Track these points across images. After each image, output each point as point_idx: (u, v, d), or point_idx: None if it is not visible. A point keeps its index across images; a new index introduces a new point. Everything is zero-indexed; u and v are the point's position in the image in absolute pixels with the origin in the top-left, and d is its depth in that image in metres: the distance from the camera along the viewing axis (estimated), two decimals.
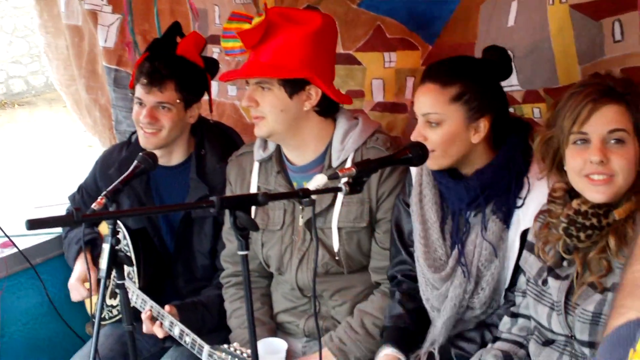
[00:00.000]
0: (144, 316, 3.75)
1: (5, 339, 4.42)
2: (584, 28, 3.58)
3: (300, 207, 3.68)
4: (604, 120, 2.66)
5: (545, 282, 2.86)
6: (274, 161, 3.75)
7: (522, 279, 3.09)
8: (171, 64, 3.98)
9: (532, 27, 3.72)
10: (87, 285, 4.17)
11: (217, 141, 4.23)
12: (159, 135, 4.02)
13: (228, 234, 3.95)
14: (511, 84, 3.77)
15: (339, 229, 3.57)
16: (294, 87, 3.49)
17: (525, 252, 3.02)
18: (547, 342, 2.90)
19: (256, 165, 3.80)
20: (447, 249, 3.35)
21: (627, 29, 3.48)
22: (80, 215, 2.45)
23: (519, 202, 3.20)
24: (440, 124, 3.19)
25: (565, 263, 2.81)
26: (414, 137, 3.21)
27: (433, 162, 3.23)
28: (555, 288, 2.79)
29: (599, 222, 2.68)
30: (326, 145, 3.63)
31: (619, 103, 2.66)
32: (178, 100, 4.00)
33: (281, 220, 3.73)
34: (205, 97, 4.20)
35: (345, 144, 3.58)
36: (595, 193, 2.69)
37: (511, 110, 3.77)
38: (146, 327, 3.74)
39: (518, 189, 3.20)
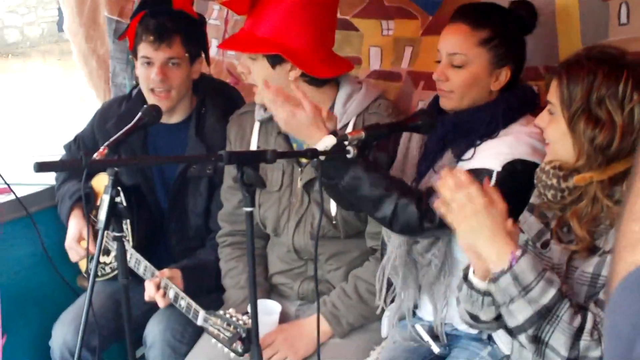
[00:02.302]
0: (149, 282, 3.74)
1: None
2: (591, 7, 3.54)
3: (299, 169, 3.68)
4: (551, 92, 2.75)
5: (545, 245, 2.85)
6: (274, 121, 3.72)
7: (521, 238, 3.07)
8: (175, 18, 3.96)
9: (538, 1, 3.66)
10: (83, 244, 4.17)
11: (219, 100, 4.21)
12: (170, 96, 4.02)
13: (226, 193, 3.94)
14: None
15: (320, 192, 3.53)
16: (274, 58, 3.49)
17: (525, 212, 2.99)
18: None
19: (257, 124, 3.80)
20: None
21: (633, 12, 3.43)
22: (89, 160, 2.43)
23: (478, 142, 3.19)
24: (464, 66, 3.19)
25: (565, 229, 2.80)
26: (436, 75, 3.23)
27: (448, 102, 3.26)
28: (557, 251, 2.79)
29: (558, 183, 2.69)
30: (328, 108, 3.59)
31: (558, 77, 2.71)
32: (186, 54, 4.00)
33: (279, 182, 3.72)
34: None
35: (348, 107, 3.56)
36: None
37: None
38: (148, 293, 3.73)
39: (486, 136, 3.18)
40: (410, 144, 3.44)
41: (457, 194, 2.50)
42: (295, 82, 3.51)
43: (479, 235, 2.52)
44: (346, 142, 2.86)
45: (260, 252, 3.93)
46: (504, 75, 3.22)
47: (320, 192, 3.14)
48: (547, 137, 2.75)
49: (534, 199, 2.94)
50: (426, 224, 3.05)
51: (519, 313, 2.52)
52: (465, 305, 2.83)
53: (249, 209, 2.59)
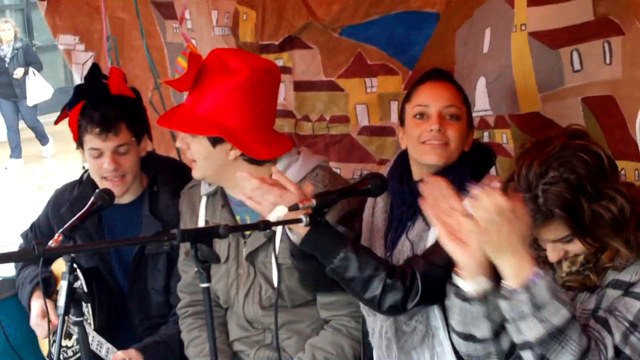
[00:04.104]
0: None
1: None
2: (542, 56, 3.67)
3: (243, 241, 3.69)
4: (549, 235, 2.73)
5: None
6: (219, 195, 3.78)
7: None
8: (117, 105, 3.94)
9: (500, 53, 3.82)
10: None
11: (170, 177, 4.22)
12: (124, 181, 4.02)
13: (183, 265, 3.95)
14: (485, 109, 3.91)
15: (279, 264, 3.51)
16: (215, 138, 3.52)
17: None
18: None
19: (204, 199, 3.82)
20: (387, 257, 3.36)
21: (586, 59, 3.56)
22: (42, 250, 2.43)
23: None
24: (459, 119, 3.26)
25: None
26: (437, 126, 3.22)
27: (441, 156, 3.25)
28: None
29: (595, 266, 2.72)
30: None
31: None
32: (133, 139, 4.00)
33: (226, 254, 3.74)
34: None
35: None
36: None
37: (485, 134, 3.93)
38: None
39: None
40: (374, 217, 3.46)
41: (486, 204, 2.47)
42: (235, 161, 3.55)
43: (500, 248, 2.51)
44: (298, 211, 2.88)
45: (221, 321, 3.92)
46: (471, 136, 3.33)
47: (275, 261, 3.16)
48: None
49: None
50: (410, 303, 3.07)
51: (529, 330, 2.52)
52: (459, 327, 2.82)
53: (204, 285, 2.60)
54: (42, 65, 16.53)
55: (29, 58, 16.09)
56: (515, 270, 2.52)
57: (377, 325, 3.39)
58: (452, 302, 2.79)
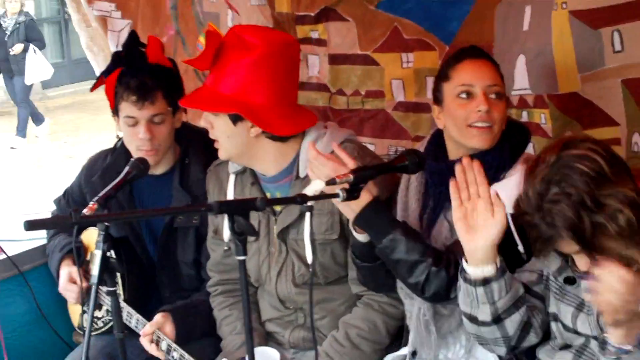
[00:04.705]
0: (143, 338, 3.76)
1: None
2: (583, 36, 3.63)
3: (274, 218, 3.68)
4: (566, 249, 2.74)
5: (570, 281, 2.86)
6: (248, 173, 3.76)
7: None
8: (154, 73, 3.93)
9: (540, 31, 3.77)
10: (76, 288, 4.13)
11: (201, 150, 4.18)
12: (158, 152, 4.01)
13: (211, 244, 3.94)
14: (524, 87, 3.87)
15: (312, 240, 3.52)
16: (236, 115, 3.50)
17: None
18: (563, 347, 2.92)
19: (232, 176, 3.81)
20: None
21: (627, 40, 3.52)
22: (79, 217, 2.42)
23: None
24: (502, 98, 3.23)
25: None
26: (485, 106, 3.17)
27: (487, 139, 3.22)
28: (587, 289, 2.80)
29: None
30: (294, 157, 3.61)
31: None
32: (169, 108, 3.98)
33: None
34: None
35: None
36: None
37: (524, 114, 3.88)
38: (147, 348, 3.76)
39: (494, 180, 3.14)
40: (408, 196, 3.45)
41: (612, 284, 2.45)
42: (258, 138, 3.53)
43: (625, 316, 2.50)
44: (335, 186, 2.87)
45: (252, 299, 3.91)
46: (506, 113, 3.29)
47: (312, 237, 3.15)
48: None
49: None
50: (454, 292, 3.08)
51: None
52: (464, 307, 2.90)
53: (241, 258, 2.59)
54: (45, 43, 16.18)
55: (31, 34, 15.73)
56: (629, 334, 2.55)
57: (415, 308, 3.38)
58: (460, 282, 2.89)
